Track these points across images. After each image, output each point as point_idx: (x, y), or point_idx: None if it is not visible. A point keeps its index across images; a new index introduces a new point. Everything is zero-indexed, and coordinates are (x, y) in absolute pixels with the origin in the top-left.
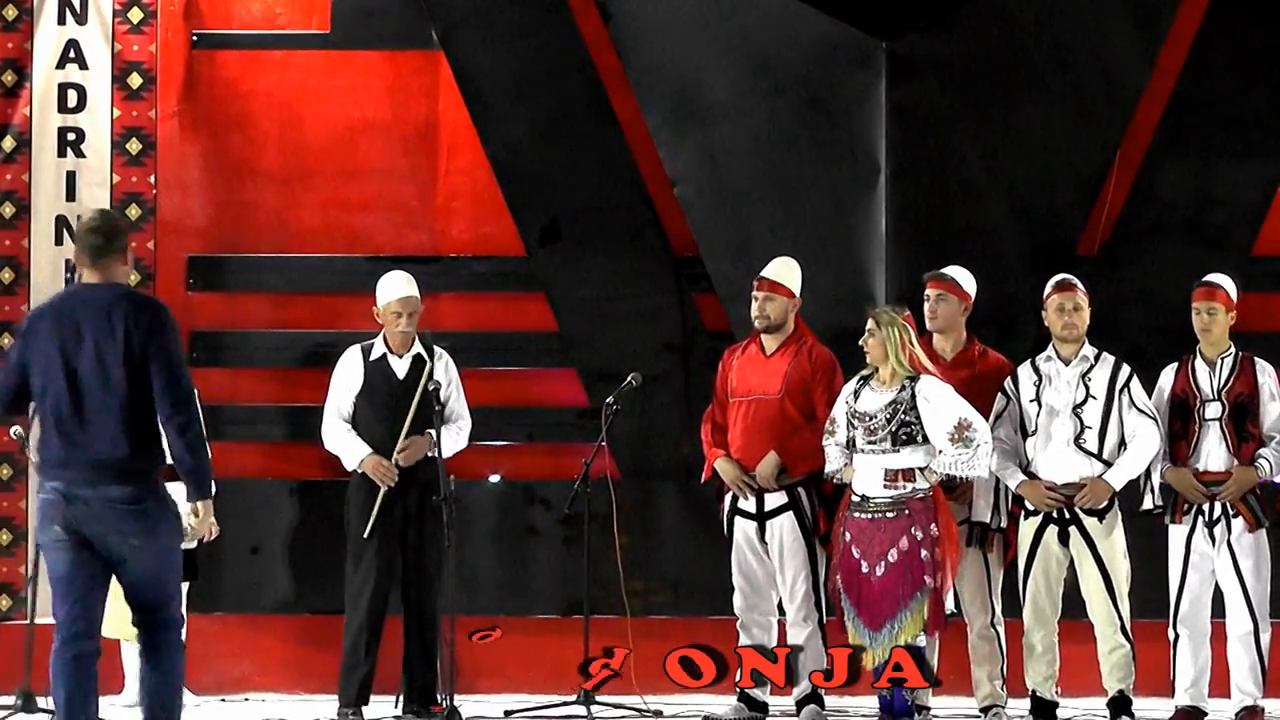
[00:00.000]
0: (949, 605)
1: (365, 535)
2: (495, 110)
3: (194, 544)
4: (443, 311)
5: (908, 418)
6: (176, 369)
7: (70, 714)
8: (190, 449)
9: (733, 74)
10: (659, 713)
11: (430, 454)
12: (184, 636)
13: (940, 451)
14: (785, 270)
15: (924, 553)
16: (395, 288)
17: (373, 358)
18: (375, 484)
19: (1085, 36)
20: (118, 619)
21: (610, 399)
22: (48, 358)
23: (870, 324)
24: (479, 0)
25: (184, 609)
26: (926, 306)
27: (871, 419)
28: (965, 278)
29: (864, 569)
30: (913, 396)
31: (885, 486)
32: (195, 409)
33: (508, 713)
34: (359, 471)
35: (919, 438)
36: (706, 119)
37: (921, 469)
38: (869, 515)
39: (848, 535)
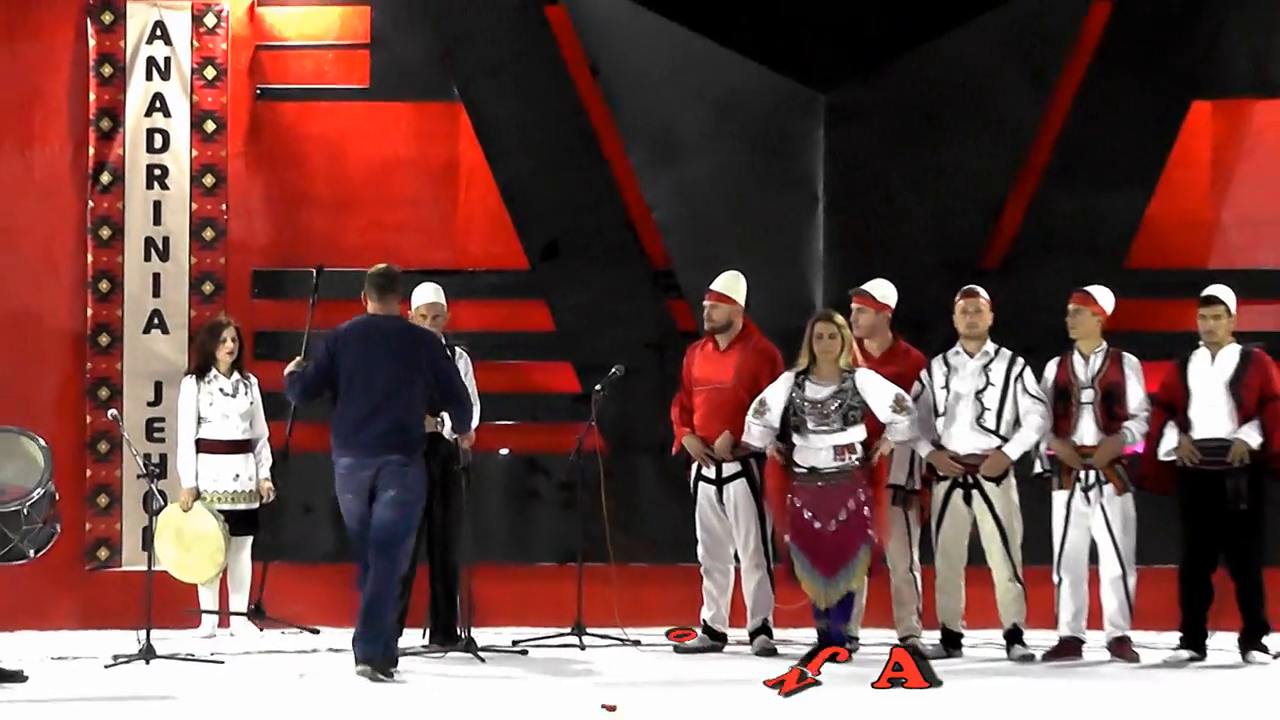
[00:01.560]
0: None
1: None
2: (504, 150)
3: (256, 505)
4: (461, 315)
5: (853, 403)
6: (453, 375)
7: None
8: (460, 420)
9: (700, 120)
10: (637, 641)
11: (439, 431)
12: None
13: (892, 423)
14: (730, 282)
15: (866, 511)
16: (424, 295)
17: None
18: None
19: (989, 87)
20: (195, 565)
21: (598, 387)
22: (355, 363)
23: (831, 328)
24: (491, 60)
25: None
26: (852, 317)
27: (822, 405)
28: (886, 290)
29: (817, 526)
30: (854, 386)
31: (835, 459)
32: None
33: (515, 642)
34: None
35: (861, 419)
36: (679, 157)
37: (863, 442)
38: (819, 483)
39: (798, 501)
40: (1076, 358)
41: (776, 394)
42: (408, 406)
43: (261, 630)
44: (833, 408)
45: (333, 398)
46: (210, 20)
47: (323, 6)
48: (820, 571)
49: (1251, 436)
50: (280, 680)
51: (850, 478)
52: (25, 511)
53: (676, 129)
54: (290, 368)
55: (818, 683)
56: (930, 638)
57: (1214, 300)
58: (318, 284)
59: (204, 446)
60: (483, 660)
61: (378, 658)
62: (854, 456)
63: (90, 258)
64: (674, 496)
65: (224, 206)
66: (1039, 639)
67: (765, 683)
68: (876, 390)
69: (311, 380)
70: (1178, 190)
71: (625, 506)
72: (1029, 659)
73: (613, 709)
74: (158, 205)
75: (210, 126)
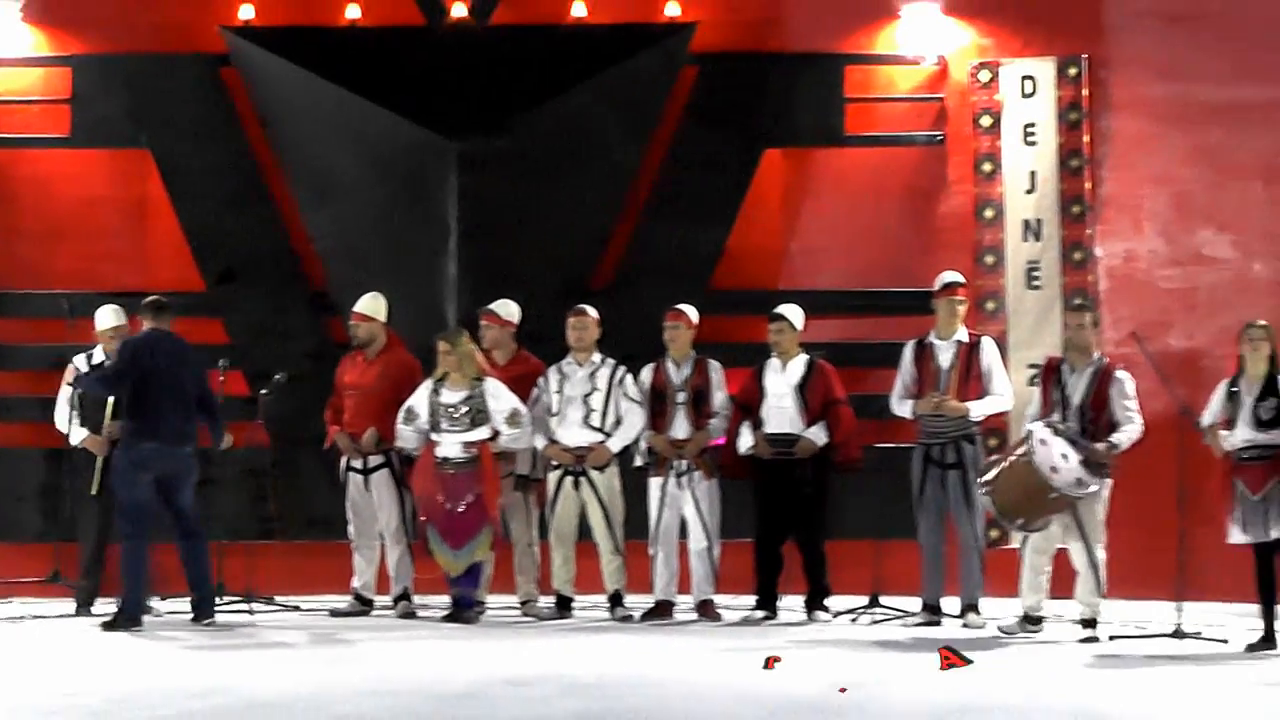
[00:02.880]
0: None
1: (94, 493)
2: (186, 190)
3: None
4: None
5: (481, 407)
6: (207, 385)
7: None
8: (215, 424)
9: (353, 164)
10: (297, 607)
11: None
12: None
13: (501, 432)
14: (370, 303)
15: (489, 496)
16: (108, 318)
17: (94, 362)
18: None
19: (598, 138)
20: None
21: (264, 390)
22: (152, 366)
23: (444, 345)
24: (175, 113)
25: None
26: (480, 331)
27: (454, 408)
28: (511, 309)
29: (448, 508)
30: (482, 394)
31: (464, 452)
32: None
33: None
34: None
35: (487, 421)
36: (335, 196)
37: (489, 440)
38: (450, 471)
39: (436, 487)
40: (670, 365)
41: (419, 401)
42: (189, 405)
43: None
44: (463, 410)
45: (132, 394)
46: None
47: (28, 68)
48: (450, 545)
49: (819, 436)
50: None
51: (476, 467)
52: None
53: (333, 172)
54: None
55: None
56: (546, 601)
57: (779, 317)
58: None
59: None
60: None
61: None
62: (477, 451)
63: None
64: (330, 483)
65: None
66: (639, 601)
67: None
68: (498, 401)
69: (119, 377)
70: (753, 224)
71: (291, 490)
72: (629, 618)
73: (776, 661)
74: None
75: None
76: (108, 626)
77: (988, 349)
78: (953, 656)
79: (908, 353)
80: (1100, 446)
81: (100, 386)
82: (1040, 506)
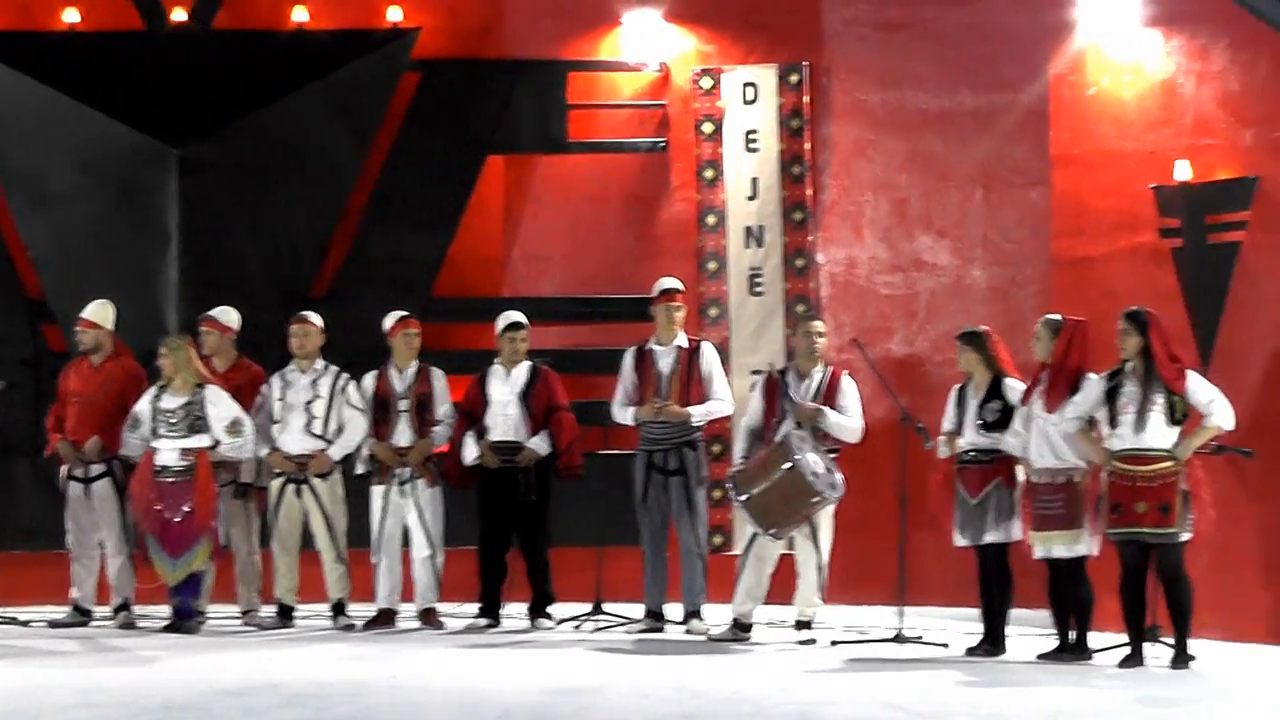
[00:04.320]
0: (223, 539)
1: None
2: None
3: None
4: None
5: (200, 414)
6: None
7: None
8: None
9: (70, 170)
10: (14, 619)
11: None
12: None
13: (220, 441)
14: (98, 310)
15: (203, 505)
16: None
17: None
18: None
19: (317, 144)
20: None
21: None
22: None
23: (164, 350)
24: None
25: None
26: (200, 338)
27: (173, 414)
28: (230, 316)
29: (166, 516)
30: (202, 400)
31: (181, 460)
32: None
33: None
34: None
35: (207, 428)
36: (53, 202)
37: (210, 448)
38: (169, 479)
39: (153, 495)
40: (393, 371)
41: (143, 407)
42: None
43: None
44: (180, 417)
45: None
46: None
47: None
48: (168, 554)
49: (541, 445)
50: None
51: (193, 475)
52: None
53: (49, 178)
54: None
55: None
56: (269, 611)
57: (520, 325)
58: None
59: None
60: None
61: None
62: (194, 459)
63: None
64: (47, 492)
65: None
66: (362, 610)
67: None
68: (218, 409)
69: None
70: (475, 231)
71: (5, 501)
72: (351, 627)
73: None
74: None
75: None
76: None
77: (708, 354)
78: None
79: (628, 359)
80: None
81: None
82: (799, 511)
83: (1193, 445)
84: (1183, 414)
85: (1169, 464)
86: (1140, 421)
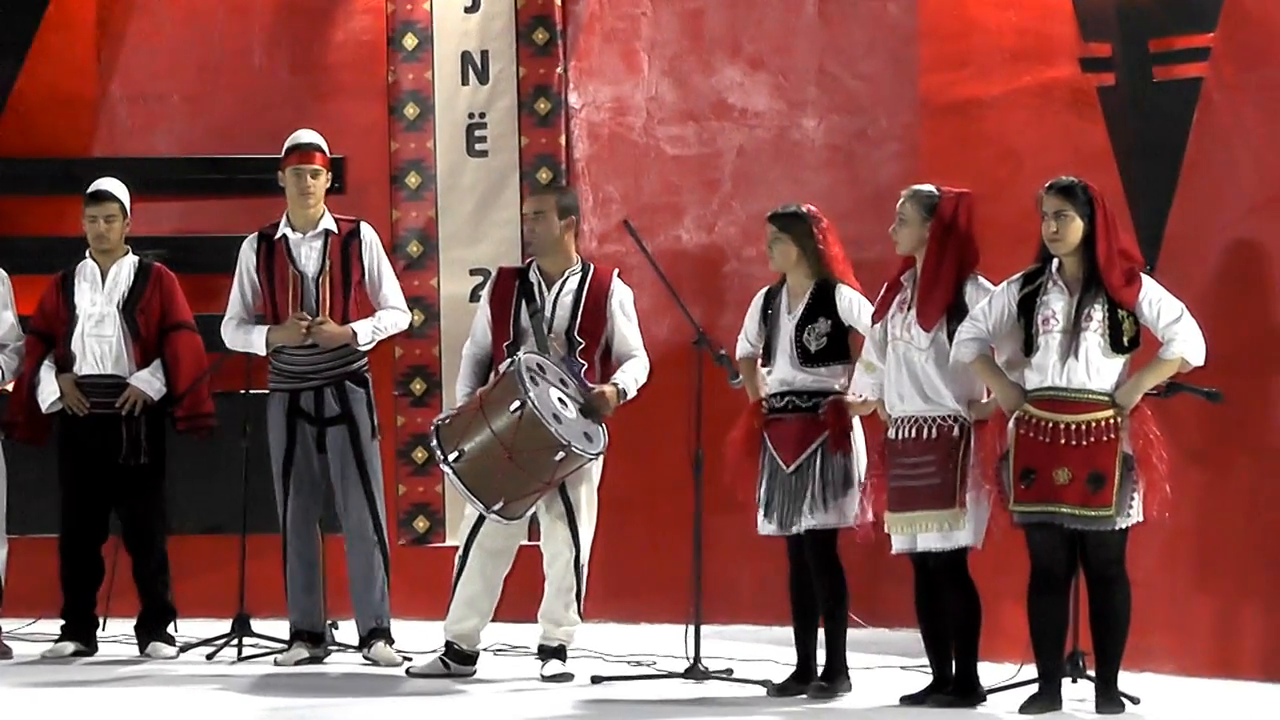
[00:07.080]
0: None
1: None
2: None
3: None
4: None
5: None
6: None
7: None
8: None
9: None
10: None
11: None
12: None
13: None
14: None
15: None
16: None
17: None
18: None
19: None
20: None
21: None
22: None
23: None
24: None
25: None
26: None
27: None
28: None
29: None
30: None
31: None
32: None
33: None
34: None
35: None
36: None
37: None
38: None
39: None
40: None
41: None
42: None
43: None
44: None
45: None
46: None
47: None
48: None
49: (152, 383)
50: None
51: None
52: None
53: None
54: None
55: None
56: None
57: (108, 198)
58: None
59: None
60: None
61: None
62: None
63: None
64: None
65: None
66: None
67: None
68: None
69: None
70: (54, 58)
71: None
72: None
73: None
74: None
75: None
76: None
77: (370, 240)
78: None
79: (247, 253)
80: (606, 390)
81: None
82: (537, 478)
83: (1143, 385)
84: (1132, 338)
85: (1107, 412)
86: (1070, 347)
